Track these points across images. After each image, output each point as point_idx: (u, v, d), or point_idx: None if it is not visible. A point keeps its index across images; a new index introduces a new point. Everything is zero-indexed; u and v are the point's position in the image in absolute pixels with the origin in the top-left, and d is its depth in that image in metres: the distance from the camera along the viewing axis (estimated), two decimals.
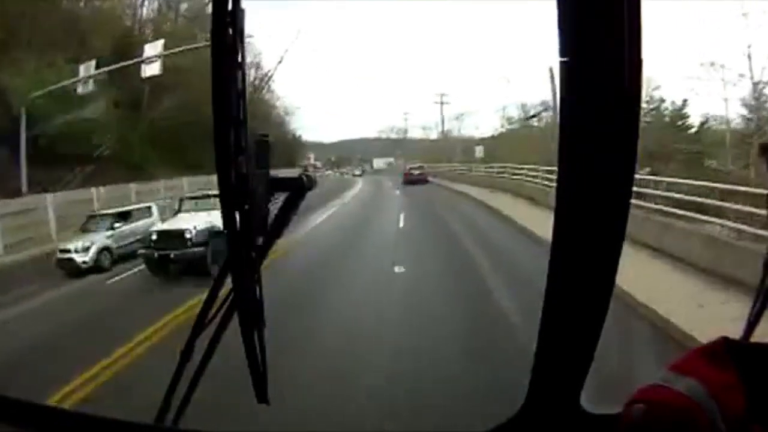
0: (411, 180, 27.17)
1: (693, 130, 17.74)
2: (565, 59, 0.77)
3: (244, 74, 0.72)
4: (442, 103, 34.35)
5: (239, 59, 0.71)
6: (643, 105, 18.30)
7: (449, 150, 34.52)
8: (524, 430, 0.94)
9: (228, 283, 0.84)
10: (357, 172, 44.36)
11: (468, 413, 3.27)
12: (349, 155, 55.79)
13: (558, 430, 0.92)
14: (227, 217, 0.75)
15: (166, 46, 13.75)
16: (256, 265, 0.80)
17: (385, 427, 3.40)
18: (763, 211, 5.07)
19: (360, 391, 3.86)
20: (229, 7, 0.69)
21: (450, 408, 3.52)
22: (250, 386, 0.87)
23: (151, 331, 5.41)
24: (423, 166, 31.28)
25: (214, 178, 0.72)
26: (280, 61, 23.74)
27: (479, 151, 27.98)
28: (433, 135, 42.60)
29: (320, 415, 3.53)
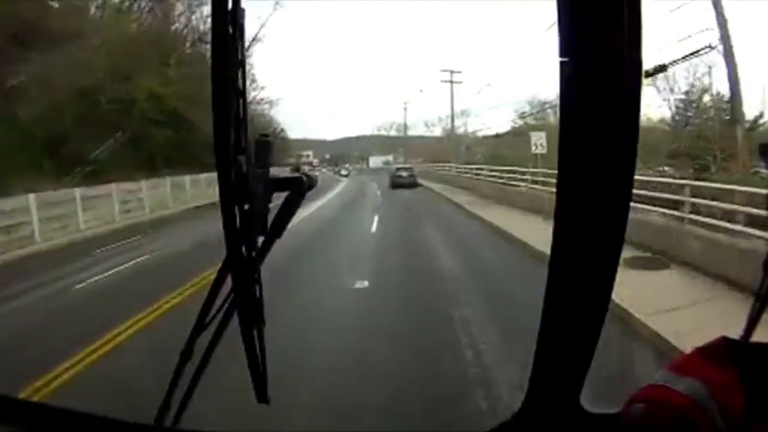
0: (399, 183, 23.47)
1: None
2: (565, 59, 0.77)
3: (244, 73, 0.72)
4: (452, 82, 27.91)
5: (239, 58, 0.71)
6: (683, 96, 16.88)
7: (455, 148, 30.03)
8: (524, 430, 0.94)
9: (228, 283, 0.84)
10: (343, 172, 42.89)
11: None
12: (349, 153, 55.05)
13: (558, 430, 0.92)
14: (227, 217, 0.75)
15: None
16: (256, 265, 0.80)
17: None
18: None
19: None
20: (229, 6, 0.69)
21: None
22: (250, 386, 0.86)
23: None
24: (412, 167, 27.71)
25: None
26: (254, 38, 21.87)
27: (538, 142, 14.77)
28: (437, 131, 40.14)
29: None
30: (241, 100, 0.72)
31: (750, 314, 0.88)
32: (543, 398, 0.92)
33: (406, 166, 29.02)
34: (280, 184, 0.83)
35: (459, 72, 28.64)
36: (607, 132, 0.78)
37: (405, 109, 47.71)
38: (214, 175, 0.73)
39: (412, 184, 23.53)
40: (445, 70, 28.21)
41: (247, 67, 0.76)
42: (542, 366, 0.91)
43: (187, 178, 19.57)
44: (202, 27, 23.35)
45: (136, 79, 18.48)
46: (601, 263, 0.84)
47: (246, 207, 0.75)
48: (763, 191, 6.94)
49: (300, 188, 0.84)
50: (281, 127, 35.24)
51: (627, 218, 0.83)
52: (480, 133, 31.48)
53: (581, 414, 0.90)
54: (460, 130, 33.47)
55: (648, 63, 0.78)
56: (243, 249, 0.78)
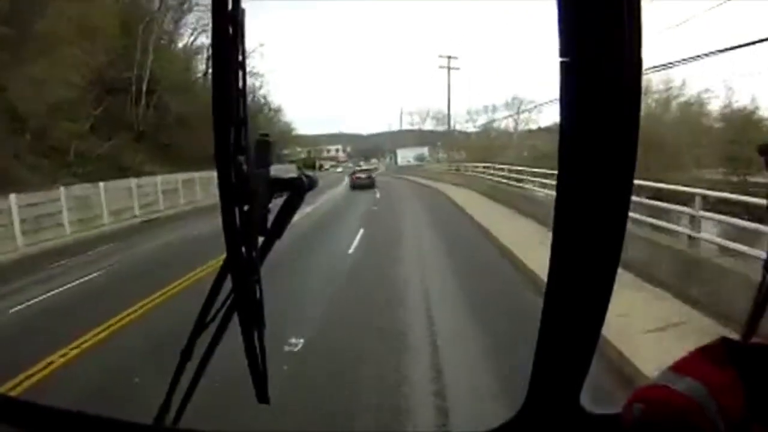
0: (359, 185, 26.60)
1: None
2: (565, 59, 0.77)
3: (244, 74, 0.72)
4: None
5: (239, 59, 0.71)
6: None
7: (501, 141, 26.97)
8: (524, 430, 0.94)
9: (228, 283, 0.84)
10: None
11: None
12: (381, 147, 53.68)
13: (558, 430, 0.92)
14: (227, 217, 0.75)
15: None
16: (256, 265, 0.80)
17: None
18: None
19: None
20: (230, 6, 0.69)
21: None
22: (250, 386, 0.87)
23: None
24: (370, 170, 30.83)
25: None
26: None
27: None
28: (482, 120, 36.26)
29: None
30: (241, 101, 0.72)
31: (750, 314, 0.88)
32: (543, 398, 0.92)
33: (365, 168, 33.41)
34: (281, 184, 0.83)
35: None
36: (607, 132, 0.79)
37: (448, 59, 35.54)
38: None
39: (370, 185, 27.09)
40: None
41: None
42: (542, 366, 0.91)
43: None
44: None
45: None
46: (601, 263, 0.84)
47: (246, 207, 0.75)
48: None
49: (300, 189, 0.84)
50: (271, 106, 33.48)
51: (627, 218, 0.83)
52: (524, 127, 29.10)
53: (581, 414, 0.90)
54: (502, 125, 30.04)
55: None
56: (243, 249, 0.78)
